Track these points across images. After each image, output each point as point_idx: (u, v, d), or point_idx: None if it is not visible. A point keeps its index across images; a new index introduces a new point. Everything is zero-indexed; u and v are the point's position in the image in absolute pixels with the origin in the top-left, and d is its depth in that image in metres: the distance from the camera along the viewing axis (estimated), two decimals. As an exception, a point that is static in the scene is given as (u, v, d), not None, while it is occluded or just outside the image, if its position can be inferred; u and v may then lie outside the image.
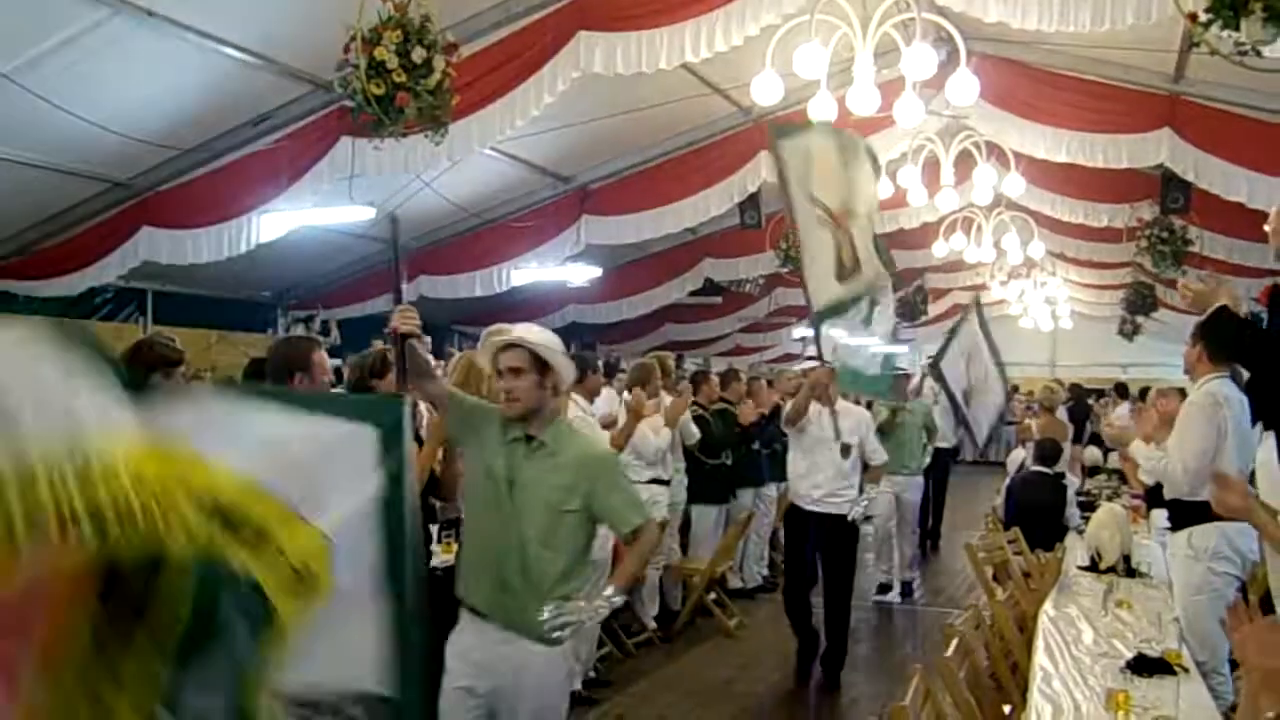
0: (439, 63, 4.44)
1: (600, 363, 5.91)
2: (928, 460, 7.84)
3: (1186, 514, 3.63)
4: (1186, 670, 2.86)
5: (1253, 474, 3.60)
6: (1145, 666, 2.85)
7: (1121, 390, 12.65)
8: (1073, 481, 6.77)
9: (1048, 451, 6.17)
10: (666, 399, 6.29)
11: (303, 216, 6.95)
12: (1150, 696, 2.60)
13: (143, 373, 2.93)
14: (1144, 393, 10.93)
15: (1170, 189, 8.15)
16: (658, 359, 6.44)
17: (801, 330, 15.38)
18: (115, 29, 4.99)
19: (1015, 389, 19.99)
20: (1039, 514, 5.78)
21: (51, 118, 5.51)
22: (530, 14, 5.79)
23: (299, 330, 9.76)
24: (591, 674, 4.95)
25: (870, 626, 6.51)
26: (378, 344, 11.09)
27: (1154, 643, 3.11)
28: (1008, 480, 6.94)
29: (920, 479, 7.67)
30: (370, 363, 3.53)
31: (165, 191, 6.83)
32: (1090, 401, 12.86)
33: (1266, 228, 3.18)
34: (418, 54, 4.31)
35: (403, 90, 4.35)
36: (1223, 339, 3.31)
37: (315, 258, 9.52)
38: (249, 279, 9.89)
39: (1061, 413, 9.41)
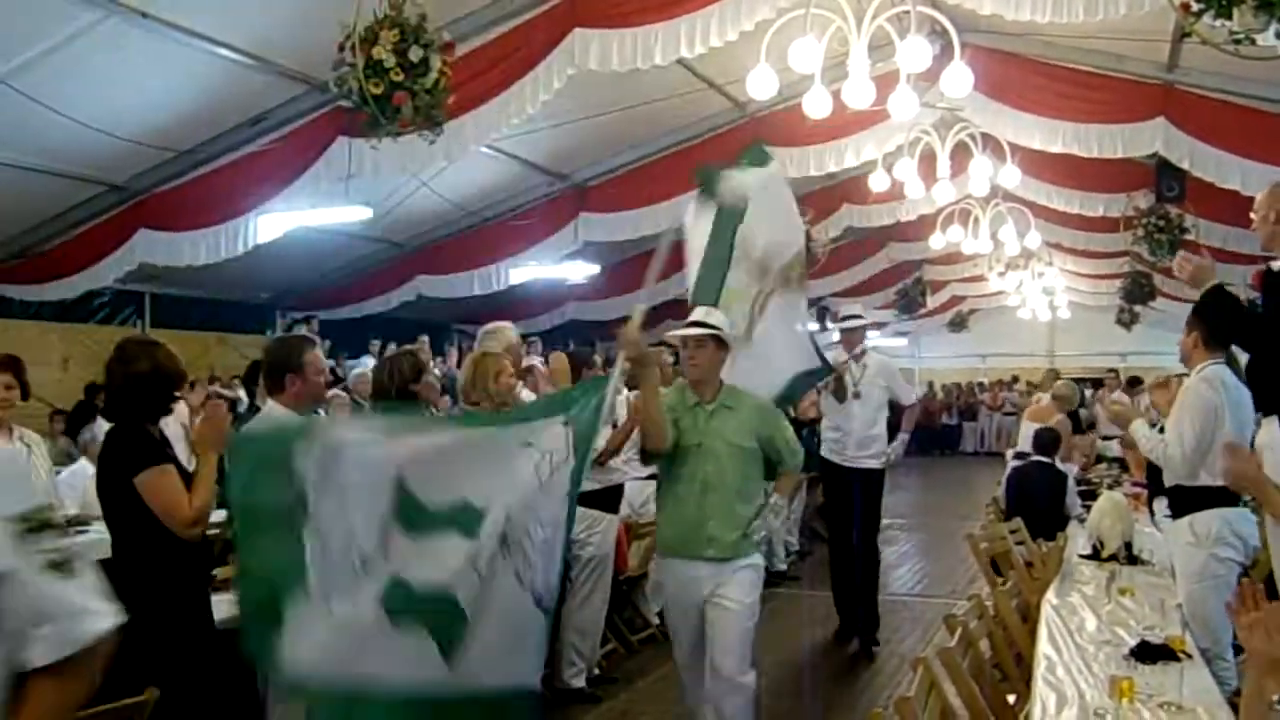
0: (435, 62, 4.45)
1: (599, 359, 5.90)
2: None
3: (1187, 501, 3.65)
4: (1190, 656, 2.86)
5: None
6: (1149, 653, 2.86)
7: (1119, 378, 12.73)
8: (1071, 469, 6.79)
9: (1046, 441, 6.18)
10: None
11: (300, 217, 6.95)
12: (1154, 683, 2.61)
13: (167, 394, 2.90)
14: (1133, 381, 10.98)
15: (1165, 178, 8.17)
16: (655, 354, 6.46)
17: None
18: (110, 31, 4.99)
19: (1015, 379, 20.10)
20: (1039, 504, 5.79)
21: (47, 121, 5.51)
22: (525, 12, 5.80)
23: (301, 331, 9.76)
24: (596, 670, 4.96)
25: (873, 618, 6.52)
26: (375, 344, 11.13)
27: (1157, 629, 3.12)
28: (1007, 470, 6.95)
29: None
30: (406, 368, 3.51)
31: (162, 193, 6.83)
32: (1086, 391, 12.90)
33: (1253, 215, 3.18)
34: (415, 53, 4.32)
35: (400, 89, 4.36)
36: (1219, 320, 3.30)
37: (313, 258, 9.53)
38: (247, 281, 9.89)
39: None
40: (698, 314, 3.41)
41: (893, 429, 5.79)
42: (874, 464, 5.57)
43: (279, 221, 6.86)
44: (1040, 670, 2.84)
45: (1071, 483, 6.11)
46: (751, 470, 3.41)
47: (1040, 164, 8.61)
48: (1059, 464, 6.18)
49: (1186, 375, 3.84)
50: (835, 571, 5.90)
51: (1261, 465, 2.78)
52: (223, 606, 3.26)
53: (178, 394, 2.94)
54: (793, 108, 6.72)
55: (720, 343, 3.39)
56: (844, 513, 5.75)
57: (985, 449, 19.39)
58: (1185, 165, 7.13)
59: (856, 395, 5.51)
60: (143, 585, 2.78)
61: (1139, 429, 3.91)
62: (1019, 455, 7.34)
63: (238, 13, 5.29)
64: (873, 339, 20.84)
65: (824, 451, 5.72)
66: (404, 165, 6.03)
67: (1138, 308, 14.68)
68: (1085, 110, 7.09)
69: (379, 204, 7.67)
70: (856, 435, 5.55)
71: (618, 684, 4.99)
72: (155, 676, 2.49)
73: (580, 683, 4.77)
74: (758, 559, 3.43)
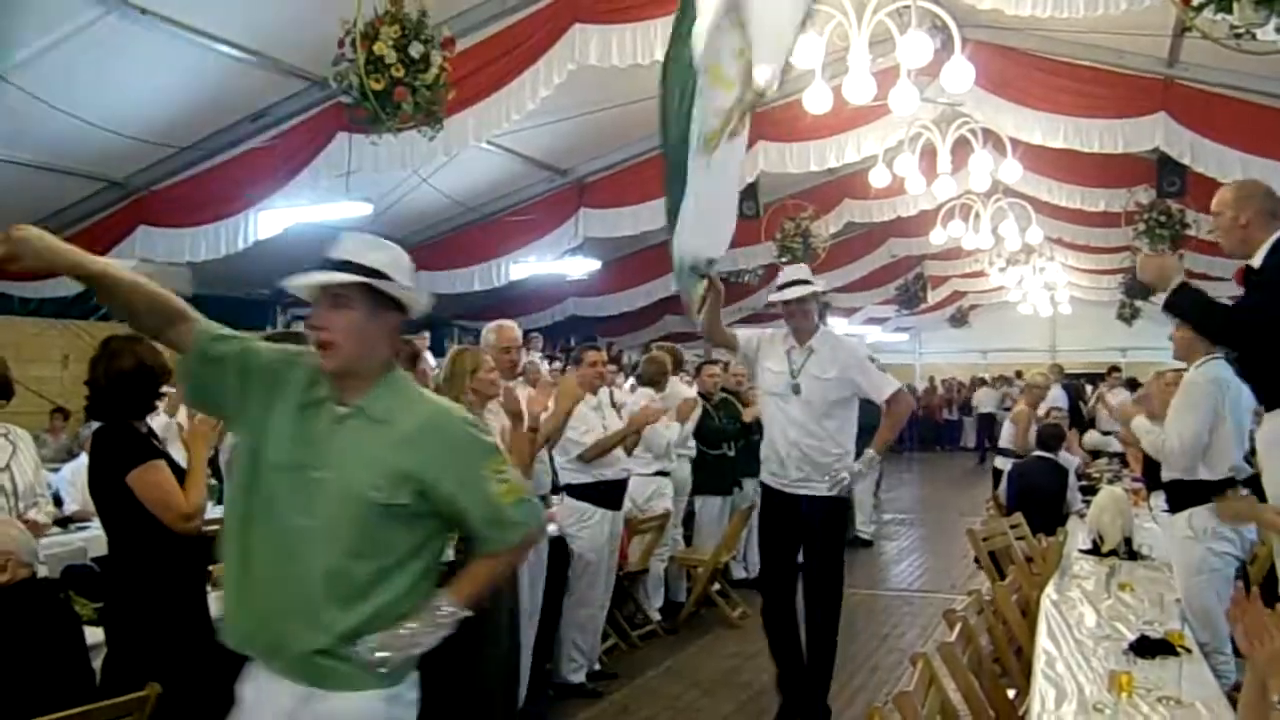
0: (436, 58, 4.46)
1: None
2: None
3: (1185, 495, 3.65)
4: (1189, 651, 2.87)
5: (1250, 451, 3.62)
6: (1148, 648, 2.87)
7: (1120, 374, 12.79)
8: (1070, 460, 6.81)
9: (1048, 437, 6.19)
10: (683, 389, 6.31)
11: (300, 213, 6.94)
12: (1153, 677, 2.61)
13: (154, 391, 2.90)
14: (1132, 384, 11.00)
15: (1166, 173, 8.17)
16: (669, 351, 6.48)
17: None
18: (109, 27, 4.98)
19: (1018, 375, 20.14)
20: (1040, 499, 5.80)
21: (47, 117, 5.50)
22: (525, 7, 5.79)
23: (298, 329, 9.76)
24: (596, 666, 4.97)
25: (874, 613, 6.54)
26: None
27: (1156, 624, 3.13)
28: (1007, 469, 6.95)
29: None
30: (402, 355, 3.48)
31: (162, 190, 6.82)
32: (1088, 386, 12.94)
33: (1213, 217, 2.98)
34: (415, 49, 4.33)
35: (401, 85, 4.37)
36: (1188, 320, 3.18)
37: (313, 255, 9.50)
38: (247, 277, 9.88)
39: (1060, 397, 9.44)
40: (344, 248, 2.00)
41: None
42: (824, 489, 3.96)
43: (279, 218, 6.85)
44: (1040, 665, 2.85)
45: (1073, 478, 6.11)
46: (382, 536, 1.82)
47: (1041, 159, 8.61)
48: (1062, 458, 6.18)
49: (1182, 370, 3.84)
50: (775, 640, 4.25)
51: (1252, 502, 2.79)
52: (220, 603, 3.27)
53: (164, 389, 2.93)
54: (793, 103, 6.71)
55: (380, 299, 1.92)
56: (783, 559, 4.12)
57: (986, 444, 19.40)
58: (1186, 160, 7.12)
59: (796, 390, 4.02)
60: (140, 583, 2.79)
61: (1141, 424, 3.91)
62: (1002, 453, 7.36)
63: (237, 9, 5.28)
64: (871, 334, 20.82)
65: (762, 474, 4.19)
66: (404, 161, 6.03)
67: (1139, 303, 14.69)
68: (1086, 105, 7.08)
69: (379, 200, 7.66)
70: (799, 448, 3.99)
71: (618, 679, 5.00)
72: (154, 673, 2.50)
73: (580, 678, 4.78)
74: (378, 708, 1.83)
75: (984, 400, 18.63)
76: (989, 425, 18.67)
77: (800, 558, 4.13)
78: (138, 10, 4.90)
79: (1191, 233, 9.24)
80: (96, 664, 2.82)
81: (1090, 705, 2.48)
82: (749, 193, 9.03)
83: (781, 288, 4.13)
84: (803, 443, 4.00)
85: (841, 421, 4.07)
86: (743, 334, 4.25)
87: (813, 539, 4.08)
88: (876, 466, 4.14)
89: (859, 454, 4.08)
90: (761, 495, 4.30)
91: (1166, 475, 3.79)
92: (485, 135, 6.20)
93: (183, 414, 3.58)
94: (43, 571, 3.00)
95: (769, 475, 4.14)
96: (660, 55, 5.80)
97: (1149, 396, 4.94)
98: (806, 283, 4.12)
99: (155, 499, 2.72)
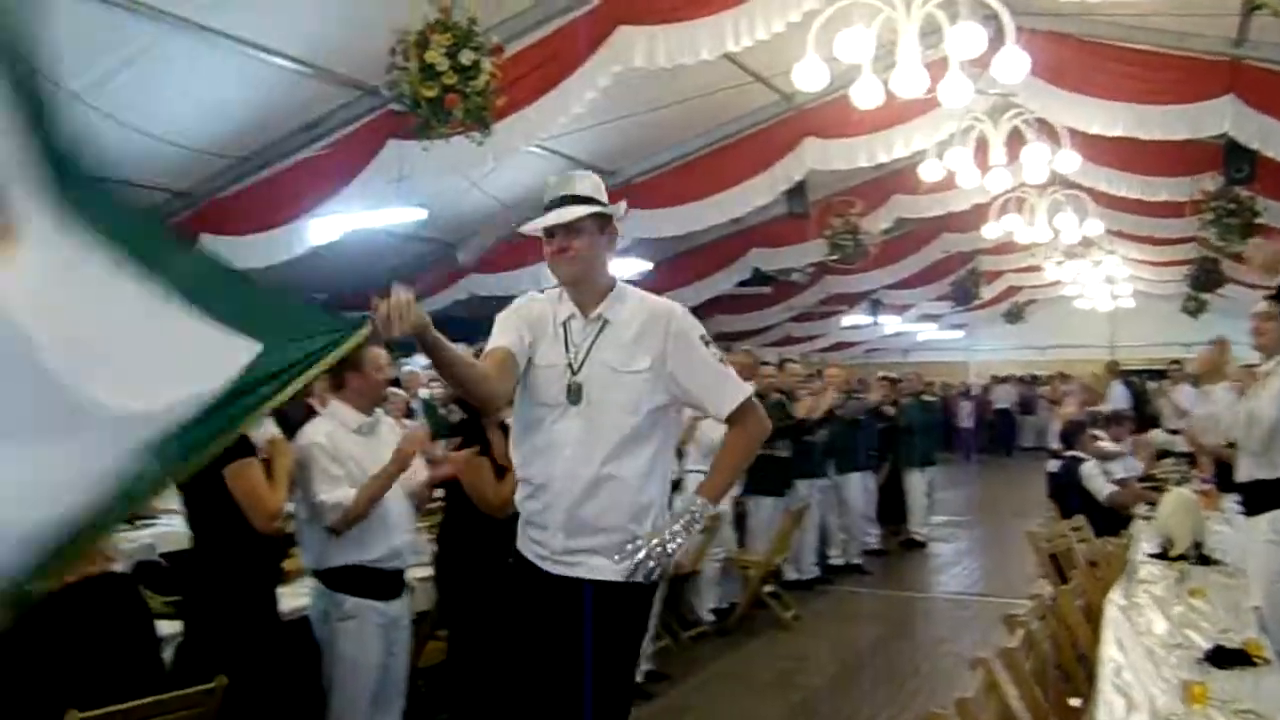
0: (486, 64, 4.51)
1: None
2: None
3: (1264, 497, 3.51)
4: (1268, 661, 2.76)
5: None
6: (1224, 658, 2.76)
7: (1183, 370, 12.36)
8: (1136, 467, 6.60)
9: (1069, 433, 6.07)
10: None
11: (354, 220, 7.07)
12: (1229, 689, 2.51)
13: None
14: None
15: (1234, 158, 7.86)
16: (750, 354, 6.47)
17: (854, 318, 15.16)
18: (170, 45, 5.13)
19: (1064, 376, 19.63)
20: (1086, 499, 5.68)
21: (115, 132, 5.68)
22: (569, 11, 5.81)
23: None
24: (649, 667, 4.97)
25: (930, 616, 6.43)
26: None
27: (1232, 633, 3.02)
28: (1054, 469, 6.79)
29: None
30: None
31: (221, 199, 7.01)
32: (1150, 383, 12.54)
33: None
34: (466, 56, 4.38)
35: (452, 92, 4.43)
36: None
37: (367, 260, 9.69)
38: (306, 283, 10.11)
39: (1122, 395, 9.17)
40: (571, 185, 2.53)
41: None
42: (615, 572, 2.26)
43: (332, 224, 6.99)
44: (1106, 673, 2.76)
45: (1089, 470, 5.90)
46: None
47: (1098, 148, 8.35)
48: (1127, 462, 6.03)
49: (1253, 366, 3.68)
50: None
51: None
52: (287, 598, 3.36)
53: None
54: (839, 99, 6.62)
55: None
56: (547, 682, 2.30)
57: (1045, 445, 18.91)
58: (1255, 145, 6.84)
59: (575, 395, 2.32)
60: (218, 576, 2.88)
61: (1222, 395, 3.70)
62: (1053, 455, 7.23)
63: (290, 22, 5.39)
64: (924, 331, 20.52)
65: (519, 543, 2.42)
66: (455, 166, 6.09)
67: (1205, 295, 14.20)
68: (1147, 91, 6.84)
69: (430, 204, 7.77)
70: (578, 497, 2.28)
71: (670, 680, 4.99)
72: (227, 665, 2.57)
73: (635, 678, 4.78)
74: None
75: (1001, 397, 18.40)
76: (1009, 423, 18.37)
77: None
78: (197, 26, 5.04)
79: (1263, 221, 8.89)
80: (165, 656, 2.91)
81: (1163, 717, 2.39)
82: (797, 191, 8.94)
83: (546, 209, 2.47)
84: (583, 487, 2.27)
85: (654, 449, 2.34)
86: (502, 331, 2.41)
87: (595, 652, 2.24)
88: (700, 524, 2.35)
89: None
90: (514, 575, 2.42)
91: (1244, 475, 3.64)
92: (533, 139, 6.24)
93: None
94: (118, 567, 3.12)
95: (528, 543, 2.38)
96: (707, 55, 5.81)
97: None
98: (587, 200, 2.42)
99: (247, 494, 2.80)
